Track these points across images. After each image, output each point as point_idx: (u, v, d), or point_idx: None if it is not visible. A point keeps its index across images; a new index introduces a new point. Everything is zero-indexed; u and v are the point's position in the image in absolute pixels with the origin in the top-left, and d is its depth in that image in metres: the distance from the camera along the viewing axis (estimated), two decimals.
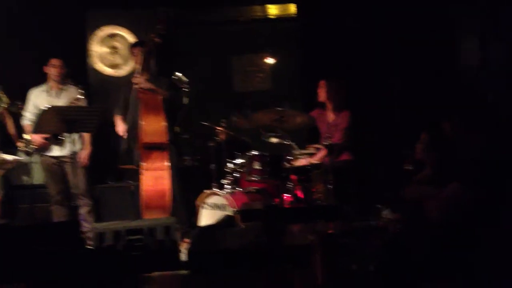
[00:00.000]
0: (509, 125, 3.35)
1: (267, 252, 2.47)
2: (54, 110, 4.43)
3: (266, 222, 2.80)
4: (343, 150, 5.19)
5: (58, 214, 5.43)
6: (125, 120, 5.30)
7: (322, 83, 5.42)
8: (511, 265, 2.54)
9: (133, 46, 5.46)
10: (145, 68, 5.16)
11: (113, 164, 5.84)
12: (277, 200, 4.16)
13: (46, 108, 4.39)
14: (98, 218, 5.54)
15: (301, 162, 5.17)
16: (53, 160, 5.39)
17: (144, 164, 4.96)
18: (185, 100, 4.68)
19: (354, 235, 2.64)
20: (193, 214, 5.28)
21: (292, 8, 6.88)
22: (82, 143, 5.45)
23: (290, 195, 4.07)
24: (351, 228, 2.82)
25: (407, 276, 2.44)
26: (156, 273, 3.50)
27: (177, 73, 4.69)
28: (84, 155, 5.41)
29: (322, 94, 5.42)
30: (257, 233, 2.61)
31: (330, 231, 2.56)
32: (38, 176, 5.63)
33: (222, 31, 7.04)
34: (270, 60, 7.13)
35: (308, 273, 2.38)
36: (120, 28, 6.29)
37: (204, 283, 2.52)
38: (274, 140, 5.38)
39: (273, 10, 7.07)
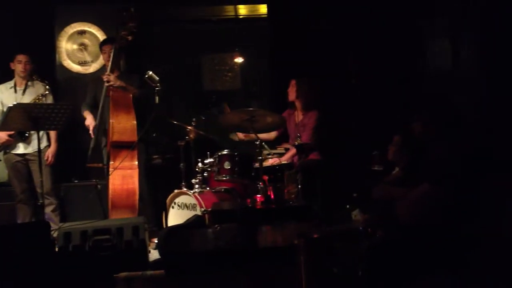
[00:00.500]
0: (479, 127, 3.42)
1: (244, 253, 2.44)
2: (20, 107, 4.33)
3: (242, 224, 2.78)
4: (311, 150, 5.22)
5: (23, 213, 5.34)
6: (94, 117, 5.22)
7: (292, 82, 5.45)
8: (488, 261, 2.61)
9: (103, 43, 5.37)
10: (115, 65, 5.09)
11: (78, 162, 5.76)
12: (248, 200, 4.16)
13: (12, 105, 4.29)
14: (63, 217, 5.46)
15: (271, 162, 5.19)
16: (18, 158, 5.31)
17: (113, 163, 4.88)
18: (157, 99, 4.62)
19: (341, 238, 2.65)
20: (161, 213, 5.24)
21: (263, 8, 6.89)
22: (48, 140, 5.37)
23: (261, 196, 4.07)
24: (337, 232, 2.83)
25: (393, 279, 2.47)
26: (132, 273, 3.45)
27: (149, 72, 4.63)
28: (50, 153, 5.33)
29: (292, 94, 5.45)
30: (232, 234, 2.58)
31: (316, 235, 2.56)
32: (1, 174, 5.49)
33: (192, 29, 7.01)
34: (240, 60, 7.13)
35: (292, 276, 2.37)
36: (89, 24, 6.18)
37: (184, 285, 2.48)
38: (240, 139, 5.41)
39: (243, 9, 7.06)
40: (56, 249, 3.78)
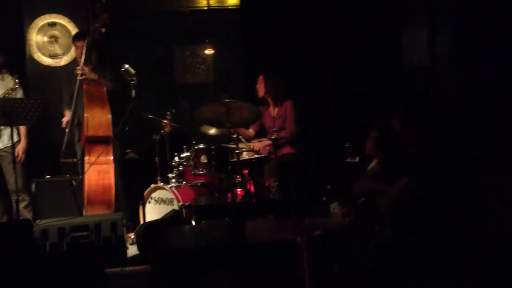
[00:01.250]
0: (457, 122, 3.49)
1: (237, 250, 2.44)
2: None
3: (233, 219, 2.77)
4: (286, 143, 5.28)
5: None
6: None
7: (260, 78, 5.48)
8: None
9: (75, 37, 5.25)
10: (88, 58, 5.00)
11: (50, 157, 5.66)
12: (229, 194, 4.16)
13: None
14: (35, 214, 5.37)
15: (247, 155, 5.21)
16: None
17: (87, 158, 4.81)
18: (133, 93, 4.55)
19: (346, 236, 2.68)
20: (135, 208, 5.21)
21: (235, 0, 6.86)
22: (18, 135, 5.25)
23: (242, 190, 4.08)
24: (342, 229, 2.86)
25: (400, 278, 2.50)
26: (111, 270, 3.43)
27: (125, 65, 4.56)
28: (20, 149, 5.21)
29: (261, 89, 5.48)
30: (223, 230, 2.57)
31: (317, 232, 2.58)
32: None
33: (164, 21, 6.90)
34: (212, 52, 7.09)
35: (292, 273, 2.38)
36: (60, 16, 6.03)
37: (169, 283, 2.46)
38: (212, 131, 5.41)
39: (215, 1, 7.01)
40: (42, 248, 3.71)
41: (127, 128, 5.71)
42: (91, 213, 4.75)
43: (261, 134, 5.51)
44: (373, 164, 4.12)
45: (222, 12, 7.02)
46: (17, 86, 5.13)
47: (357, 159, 5.05)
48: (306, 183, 5.47)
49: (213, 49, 7.10)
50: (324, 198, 4.89)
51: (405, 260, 2.64)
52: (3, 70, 5.21)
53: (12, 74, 5.20)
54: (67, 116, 5.16)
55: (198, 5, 7.04)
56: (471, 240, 2.83)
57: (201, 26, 7.00)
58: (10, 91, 5.09)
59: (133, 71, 4.57)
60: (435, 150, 3.22)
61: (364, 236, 2.75)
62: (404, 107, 3.50)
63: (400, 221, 3.09)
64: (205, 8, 7.04)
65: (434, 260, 2.68)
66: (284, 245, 2.44)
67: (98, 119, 4.83)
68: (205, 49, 7.10)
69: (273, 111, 5.46)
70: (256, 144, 5.27)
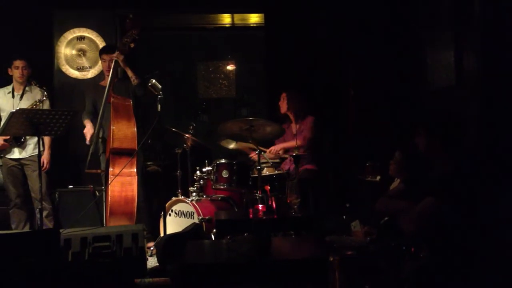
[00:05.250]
0: (483, 142, 3.47)
1: (261, 266, 2.44)
2: (22, 112, 4.31)
3: (258, 235, 2.79)
4: (307, 160, 5.30)
5: (17, 218, 5.34)
6: (94, 124, 5.20)
7: (283, 95, 5.53)
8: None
9: (103, 49, 5.34)
10: (115, 72, 5.09)
11: (73, 167, 5.74)
12: (250, 210, 4.18)
13: (14, 111, 4.27)
14: (57, 223, 5.44)
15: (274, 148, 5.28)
16: (14, 163, 5.29)
17: (112, 170, 4.87)
18: (159, 107, 4.62)
19: (382, 257, 2.68)
20: (155, 220, 5.25)
21: (259, 17, 6.93)
22: (43, 145, 5.33)
23: (263, 206, 4.10)
24: (377, 250, 2.86)
25: None
26: (146, 280, 3.45)
27: (152, 80, 4.63)
28: (44, 159, 5.29)
29: (283, 106, 5.53)
30: (248, 246, 2.58)
31: (349, 252, 2.59)
32: None
33: (188, 37, 7.01)
34: (235, 68, 7.17)
35: None
36: (89, 30, 6.17)
37: None
38: (231, 146, 5.46)
39: (240, 18, 7.10)
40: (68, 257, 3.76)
41: (149, 141, 5.79)
42: (113, 224, 4.78)
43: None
44: (395, 183, 4.12)
45: (245, 29, 7.11)
46: (44, 98, 5.23)
47: (377, 178, 5.04)
48: (326, 201, 5.48)
49: (236, 65, 7.17)
50: (344, 217, 4.88)
51: (442, 281, 2.63)
52: (32, 82, 5.31)
53: (40, 86, 5.30)
54: (87, 128, 5.22)
55: (222, 22, 7.15)
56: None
57: (224, 42, 7.08)
58: (37, 103, 5.19)
59: (159, 86, 4.62)
60: (460, 170, 3.22)
61: (400, 256, 2.74)
62: (429, 126, 3.50)
63: (434, 241, 3.06)
64: (230, 25, 7.14)
65: (471, 281, 2.67)
66: (313, 263, 2.43)
67: (123, 132, 4.88)
68: (228, 65, 7.19)
69: (295, 127, 5.50)
70: (272, 148, 5.32)
